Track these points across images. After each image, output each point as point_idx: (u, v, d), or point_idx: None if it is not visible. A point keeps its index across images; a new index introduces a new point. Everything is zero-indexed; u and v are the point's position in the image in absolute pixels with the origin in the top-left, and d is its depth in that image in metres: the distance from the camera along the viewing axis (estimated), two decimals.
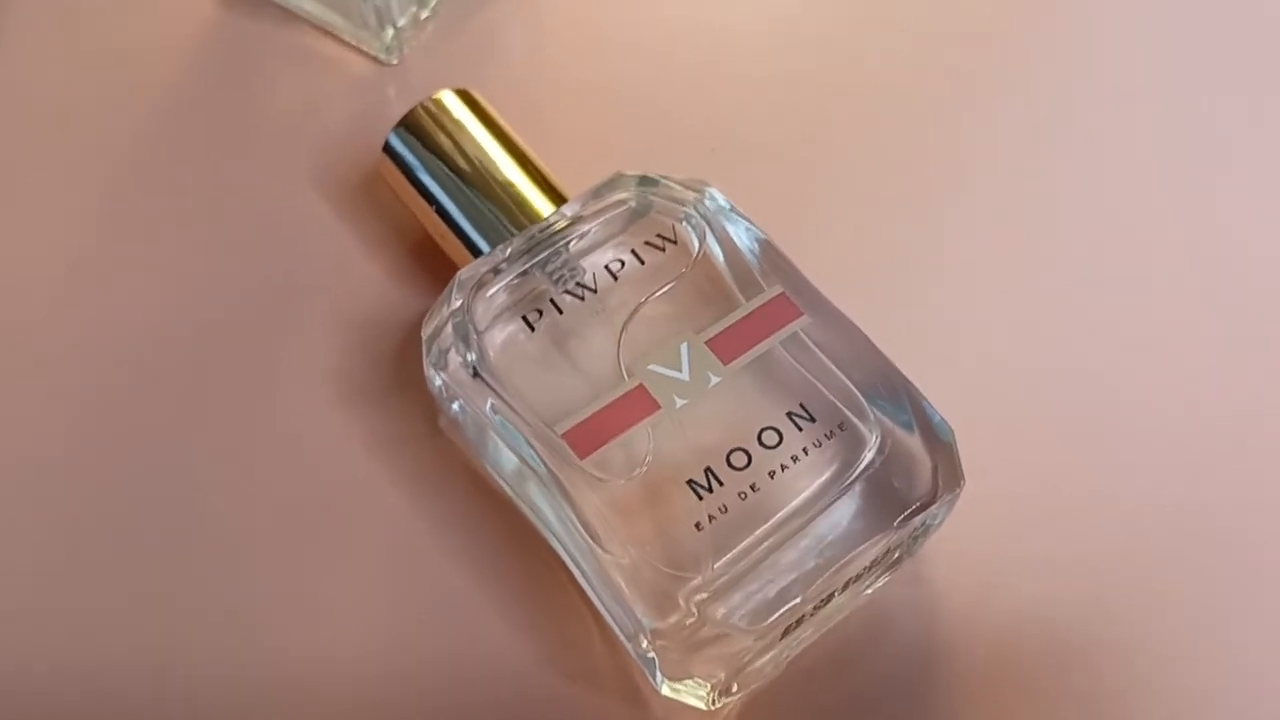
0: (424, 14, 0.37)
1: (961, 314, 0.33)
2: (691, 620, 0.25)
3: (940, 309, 0.33)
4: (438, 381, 0.29)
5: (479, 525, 0.30)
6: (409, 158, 0.31)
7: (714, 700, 0.27)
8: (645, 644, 0.26)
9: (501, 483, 0.29)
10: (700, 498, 0.26)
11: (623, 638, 0.27)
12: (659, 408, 0.27)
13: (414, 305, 0.33)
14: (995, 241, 0.34)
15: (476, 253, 0.30)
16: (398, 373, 0.32)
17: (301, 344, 0.32)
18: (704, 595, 0.26)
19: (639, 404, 0.27)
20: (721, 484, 0.26)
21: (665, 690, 0.27)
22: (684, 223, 0.30)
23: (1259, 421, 0.31)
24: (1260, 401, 0.32)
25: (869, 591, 0.28)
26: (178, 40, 0.38)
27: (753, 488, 0.26)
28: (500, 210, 0.30)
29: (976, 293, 0.33)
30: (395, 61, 0.37)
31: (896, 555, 0.27)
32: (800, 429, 0.27)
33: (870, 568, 0.27)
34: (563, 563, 0.28)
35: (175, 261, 0.34)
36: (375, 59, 0.37)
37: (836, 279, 0.29)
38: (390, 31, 0.36)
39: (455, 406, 0.29)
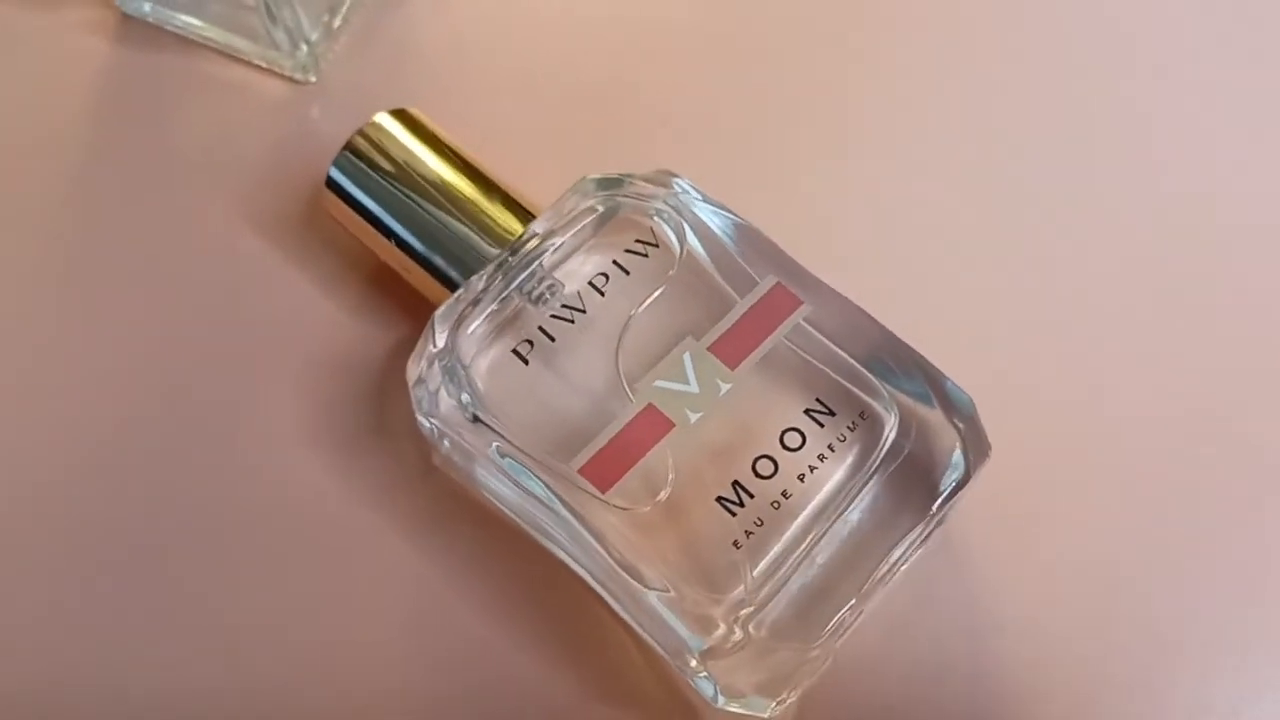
0: (336, 22, 0.35)
1: (944, 274, 0.32)
2: (739, 637, 0.25)
3: (922, 271, 0.32)
4: (429, 425, 0.27)
5: (492, 561, 0.29)
6: (355, 191, 0.30)
7: (774, 708, 0.26)
8: (695, 665, 0.25)
9: (510, 514, 0.28)
10: (733, 514, 0.25)
11: (669, 660, 0.26)
12: (673, 425, 0.25)
13: (382, 339, 0.32)
14: (964, 194, 0.33)
15: (445, 281, 0.29)
16: (379, 413, 0.31)
17: (273, 398, 0.31)
18: (749, 609, 0.25)
19: (652, 425, 0.26)
20: (752, 496, 0.25)
21: (723, 705, 0.26)
22: (656, 218, 0.28)
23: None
24: None
25: (904, 567, 0.28)
26: (77, 85, 0.35)
27: (784, 494, 0.25)
28: (465, 235, 0.29)
29: (959, 252, 0.33)
30: (313, 79, 0.35)
31: (931, 529, 0.27)
32: (822, 425, 0.26)
33: (910, 548, 0.26)
34: (589, 588, 0.27)
35: (119, 333, 0.32)
36: (291, 79, 0.35)
37: (812, 249, 0.28)
38: (304, 49, 0.34)
39: (447, 444, 0.28)
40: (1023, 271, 0.32)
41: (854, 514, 0.26)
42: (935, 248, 0.33)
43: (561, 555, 0.27)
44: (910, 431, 0.26)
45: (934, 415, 0.26)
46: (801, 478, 0.25)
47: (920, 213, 0.33)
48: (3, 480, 0.30)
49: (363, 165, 0.29)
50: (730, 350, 0.26)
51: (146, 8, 0.35)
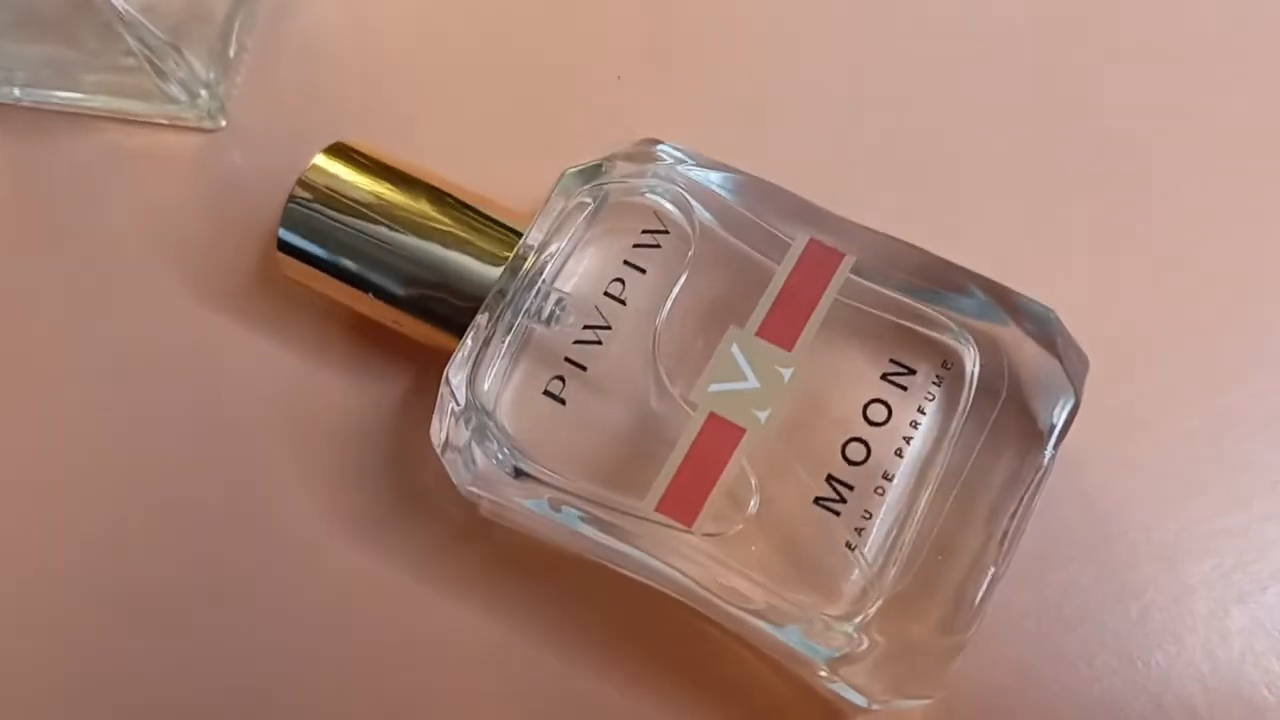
0: (230, 50, 0.31)
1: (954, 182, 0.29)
2: (869, 641, 0.22)
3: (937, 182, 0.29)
4: (471, 491, 0.25)
5: (574, 604, 0.26)
6: (312, 248, 0.26)
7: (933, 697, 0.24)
8: (826, 675, 0.23)
9: (582, 550, 0.25)
10: (836, 513, 0.22)
11: (801, 674, 0.24)
12: (744, 431, 0.23)
13: (388, 395, 0.28)
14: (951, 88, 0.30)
15: (442, 322, 0.26)
16: (407, 477, 0.28)
17: (281, 489, 0.28)
18: (875, 602, 0.22)
19: (720, 436, 0.23)
20: (851, 488, 0.22)
21: (880, 709, 0.24)
22: (651, 195, 0.25)
23: None
24: None
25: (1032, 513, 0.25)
26: None
27: (885, 476, 0.23)
28: (453, 268, 0.25)
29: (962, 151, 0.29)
30: (224, 123, 0.31)
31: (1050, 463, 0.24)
32: (905, 388, 0.23)
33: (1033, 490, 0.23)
34: (693, 609, 0.24)
35: (95, 442, 0.28)
36: (200, 129, 0.31)
37: (819, 183, 0.25)
38: (203, 95, 0.30)
39: (486, 503, 0.25)
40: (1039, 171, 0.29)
41: (958, 464, 0.23)
42: (932, 152, 0.29)
43: (653, 584, 0.24)
44: (996, 361, 0.23)
45: (1010, 334, 0.24)
46: (899, 452, 0.23)
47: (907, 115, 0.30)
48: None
49: (314, 216, 0.26)
50: (781, 329, 0.23)
51: (16, 92, 0.31)
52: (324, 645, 0.27)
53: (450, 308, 0.25)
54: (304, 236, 0.26)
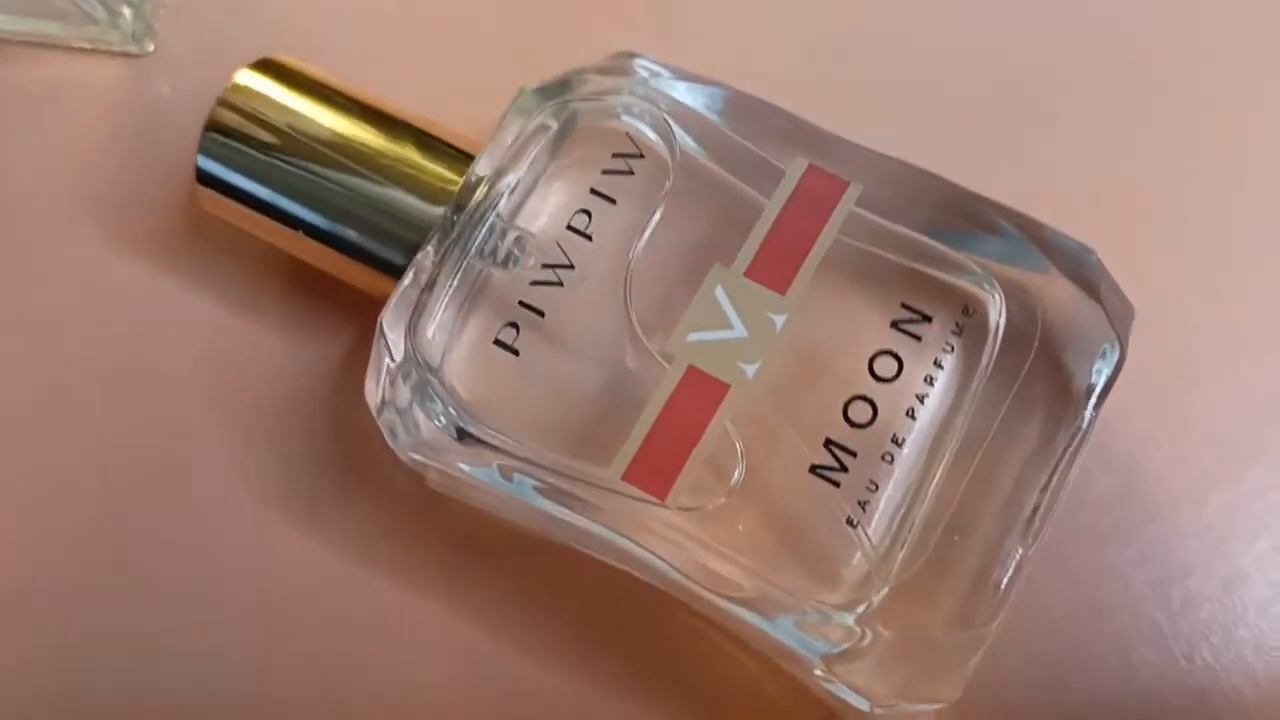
0: None
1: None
2: (873, 634, 0.19)
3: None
4: (412, 458, 0.21)
5: (540, 591, 0.23)
6: (236, 179, 0.23)
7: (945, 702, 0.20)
8: (822, 674, 0.20)
9: (543, 530, 0.22)
10: (836, 484, 0.19)
11: (793, 672, 0.21)
12: (727, 387, 0.19)
13: (327, 353, 0.25)
14: None
15: (384, 266, 0.22)
16: (349, 444, 0.24)
17: (210, 460, 0.24)
18: (880, 590, 0.19)
19: (700, 393, 0.19)
20: (854, 454, 0.19)
21: (882, 715, 0.20)
22: (627, 117, 0.22)
23: None
24: None
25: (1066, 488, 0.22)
26: None
27: (895, 440, 0.19)
28: (393, 201, 0.22)
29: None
30: (150, 47, 0.27)
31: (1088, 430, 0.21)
32: (919, 338, 0.20)
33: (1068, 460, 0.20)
34: (671, 596, 0.21)
35: (15, 421, 0.25)
36: (124, 54, 0.28)
37: (820, 104, 0.22)
38: (126, 14, 0.27)
39: (435, 475, 0.21)
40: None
41: (980, 429, 0.20)
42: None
43: (624, 568, 0.21)
44: (1026, 308, 0.20)
45: (1044, 277, 0.20)
46: (911, 413, 0.19)
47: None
48: None
49: (236, 143, 0.23)
50: (773, 270, 0.20)
51: None
52: (256, 632, 0.23)
53: (391, 247, 0.22)
54: (224, 164, 0.23)
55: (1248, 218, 0.24)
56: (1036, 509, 0.19)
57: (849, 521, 0.19)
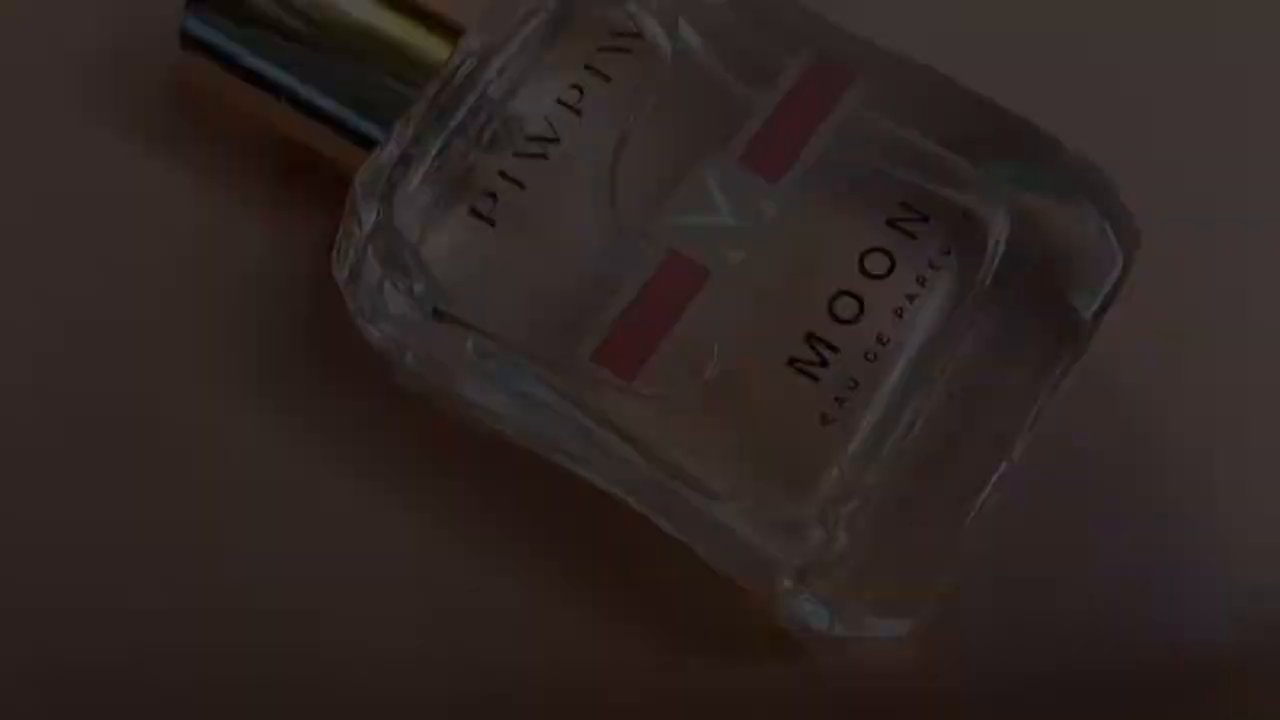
0: None
1: None
2: (843, 542, 0.18)
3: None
4: (379, 334, 0.20)
5: (498, 496, 0.22)
6: (223, 43, 0.22)
7: (908, 625, 0.19)
8: (790, 587, 0.19)
9: (512, 434, 0.21)
10: (815, 378, 0.18)
11: (755, 587, 0.20)
12: (709, 273, 0.18)
13: (301, 238, 0.24)
14: None
15: (365, 141, 0.21)
16: (319, 335, 0.24)
17: (175, 347, 0.23)
18: (853, 502, 0.18)
19: (680, 278, 0.18)
20: (835, 350, 0.18)
21: (841, 633, 0.19)
22: (632, 3, 0.21)
23: None
24: None
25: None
26: None
27: (880, 339, 0.18)
28: (379, 73, 0.21)
29: None
30: None
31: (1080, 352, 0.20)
32: (914, 236, 0.19)
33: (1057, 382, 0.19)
34: (629, 507, 0.20)
35: None
36: None
37: None
38: None
39: (410, 357, 0.20)
40: None
41: (973, 348, 0.19)
42: None
43: (591, 477, 0.20)
44: (1032, 227, 0.19)
45: (1051, 200, 0.19)
46: (899, 312, 0.18)
47: None
48: None
49: (222, 14, 0.22)
50: (769, 156, 0.19)
51: None
52: (218, 512, 0.23)
53: (374, 118, 0.21)
54: (211, 27, 0.22)
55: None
56: (1022, 430, 0.18)
57: (825, 418, 0.18)
